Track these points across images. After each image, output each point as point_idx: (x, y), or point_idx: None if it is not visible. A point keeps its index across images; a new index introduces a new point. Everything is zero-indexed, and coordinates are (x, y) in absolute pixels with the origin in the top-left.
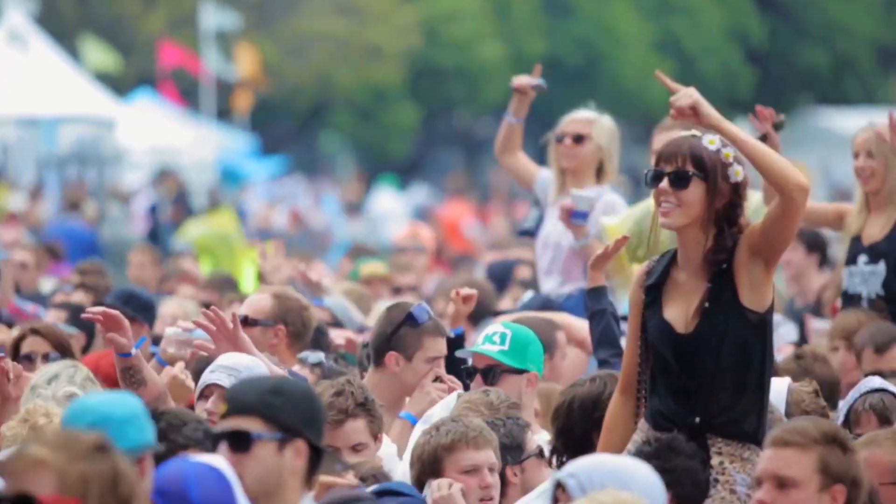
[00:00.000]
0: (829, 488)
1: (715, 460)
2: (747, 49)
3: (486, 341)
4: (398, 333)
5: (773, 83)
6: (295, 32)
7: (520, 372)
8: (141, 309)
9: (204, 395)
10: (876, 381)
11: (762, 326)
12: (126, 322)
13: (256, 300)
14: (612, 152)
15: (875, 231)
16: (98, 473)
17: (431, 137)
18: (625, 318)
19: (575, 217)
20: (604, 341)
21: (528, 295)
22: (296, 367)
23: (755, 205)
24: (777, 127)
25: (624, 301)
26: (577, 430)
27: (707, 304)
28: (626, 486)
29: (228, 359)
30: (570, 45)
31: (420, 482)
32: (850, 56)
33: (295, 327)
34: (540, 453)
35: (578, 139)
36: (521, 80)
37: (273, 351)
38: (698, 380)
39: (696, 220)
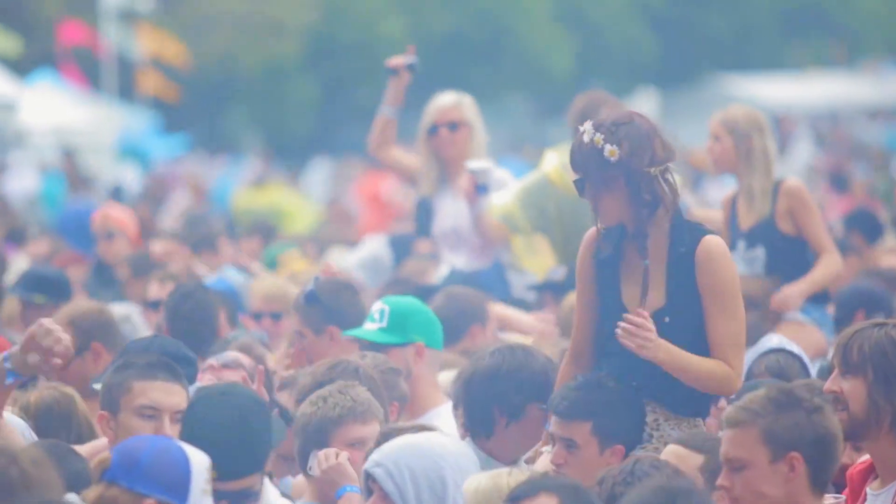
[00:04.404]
0: (783, 458)
1: (650, 417)
2: (650, 18)
3: (368, 320)
4: None
5: (676, 51)
6: (197, 11)
7: (402, 345)
8: (55, 290)
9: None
10: (774, 341)
11: None
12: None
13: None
14: (480, 129)
15: (750, 216)
16: None
17: (333, 113)
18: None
19: (480, 190)
20: None
21: (444, 271)
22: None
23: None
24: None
25: (523, 273)
26: (479, 405)
27: (665, 288)
28: (435, 463)
29: None
30: (473, 20)
31: (304, 453)
32: (753, 21)
33: (106, 335)
34: None
35: (454, 127)
36: (395, 59)
37: (103, 369)
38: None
39: (619, 211)
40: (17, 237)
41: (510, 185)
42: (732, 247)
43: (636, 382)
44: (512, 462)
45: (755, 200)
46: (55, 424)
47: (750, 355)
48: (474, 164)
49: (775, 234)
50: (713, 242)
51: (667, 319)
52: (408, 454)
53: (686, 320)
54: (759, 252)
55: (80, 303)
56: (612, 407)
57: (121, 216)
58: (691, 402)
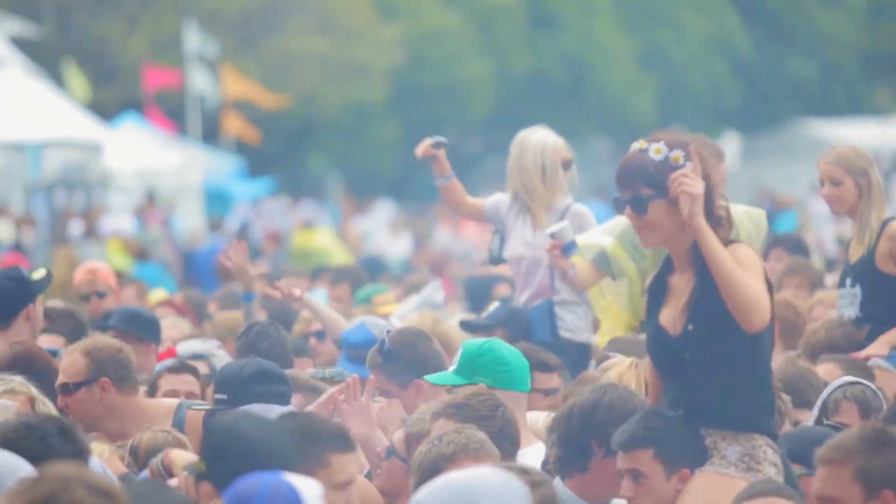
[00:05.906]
0: (876, 496)
1: (707, 441)
2: (733, 60)
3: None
4: None
5: (759, 94)
6: (278, 52)
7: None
8: (146, 328)
9: None
10: (850, 378)
11: None
12: None
13: (68, 364)
14: None
15: (858, 251)
16: None
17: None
18: None
19: (567, 251)
20: None
21: (494, 305)
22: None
23: (756, 217)
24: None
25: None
26: (577, 437)
27: (695, 300)
28: (472, 499)
29: None
30: (555, 61)
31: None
32: (837, 65)
33: (117, 373)
34: None
35: (567, 166)
36: (421, 148)
37: (107, 404)
38: (685, 377)
39: (671, 231)
40: None
41: (594, 225)
42: (842, 284)
43: (681, 410)
44: None
45: (866, 234)
46: None
47: (830, 387)
48: (555, 226)
49: (874, 273)
50: (744, 246)
51: (690, 327)
52: (449, 490)
53: (709, 332)
54: (858, 290)
55: (103, 337)
56: (672, 432)
57: (107, 272)
58: (741, 416)
